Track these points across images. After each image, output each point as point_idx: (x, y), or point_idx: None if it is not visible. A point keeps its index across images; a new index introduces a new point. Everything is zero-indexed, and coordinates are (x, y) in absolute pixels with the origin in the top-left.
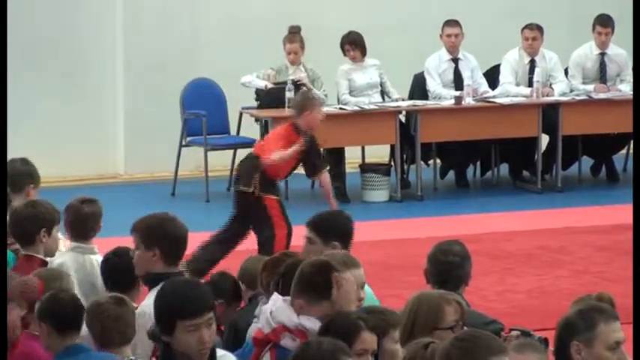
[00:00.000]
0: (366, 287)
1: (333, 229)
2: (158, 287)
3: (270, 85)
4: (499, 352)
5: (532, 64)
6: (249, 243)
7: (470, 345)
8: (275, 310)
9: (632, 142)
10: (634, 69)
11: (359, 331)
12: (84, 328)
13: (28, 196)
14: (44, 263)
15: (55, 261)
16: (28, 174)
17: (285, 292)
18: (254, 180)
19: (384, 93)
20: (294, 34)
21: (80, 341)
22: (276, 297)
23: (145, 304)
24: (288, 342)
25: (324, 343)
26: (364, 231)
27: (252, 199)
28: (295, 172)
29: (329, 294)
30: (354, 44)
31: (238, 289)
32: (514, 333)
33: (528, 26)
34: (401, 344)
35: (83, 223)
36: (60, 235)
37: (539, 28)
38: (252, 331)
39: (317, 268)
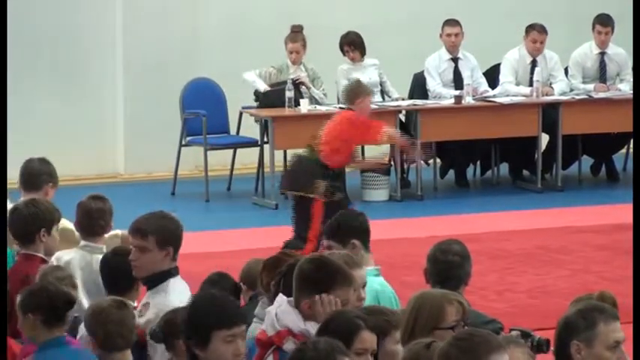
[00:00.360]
0: (388, 287)
1: (348, 229)
2: (165, 285)
3: (267, 89)
4: (498, 349)
5: (533, 64)
6: (249, 243)
7: (469, 343)
8: (280, 312)
9: (632, 141)
10: (634, 69)
11: (358, 330)
12: (84, 332)
13: (47, 196)
14: (44, 262)
15: (62, 258)
16: (47, 173)
17: (286, 292)
18: (317, 185)
19: (383, 92)
20: (296, 33)
21: (79, 343)
22: (281, 299)
23: (164, 303)
24: (290, 346)
25: (320, 342)
26: None
27: (305, 200)
28: None
29: (333, 287)
30: (352, 45)
31: (238, 289)
32: (514, 333)
33: (536, 29)
34: (402, 343)
35: (89, 219)
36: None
37: (546, 31)
38: (251, 331)
39: (315, 265)
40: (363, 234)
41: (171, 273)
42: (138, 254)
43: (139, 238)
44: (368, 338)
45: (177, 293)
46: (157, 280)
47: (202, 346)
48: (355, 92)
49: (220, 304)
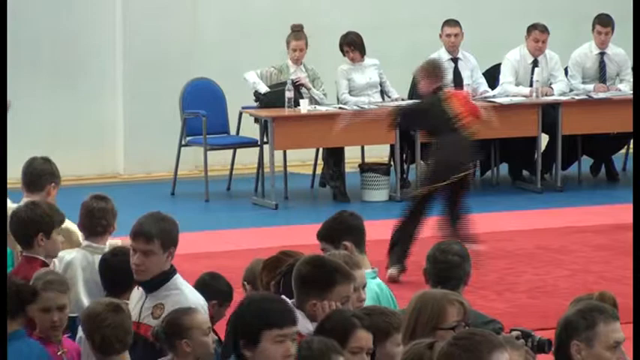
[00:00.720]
0: (385, 287)
1: (338, 230)
2: (172, 284)
3: (267, 90)
4: (500, 347)
5: (534, 64)
6: (249, 243)
7: (471, 342)
8: None
9: (631, 141)
10: (634, 69)
11: (354, 329)
12: (81, 333)
13: (49, 195)
14: (45, 265)
15: (64, 258)
16: (49, 173)
17: (286, 292)
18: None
19: (383, 93)
20: (298, 32)
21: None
22: None
23: (183, 300)
24: None
25: (314, 342)
26: None
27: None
28: (296, 171)
29: (333, 285)
30: (352, 45)
31: (230, 289)
32: (514, 334)
33: (538, 28)
34: (403, 343)
35: (90, 218)
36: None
37: (547, 30)
38: None
39: (312, 265)
40: (356, 235)
41: (172, 272)
42: (143, 258)
43: (143, 243)
44: (363, 337)
45: (190, 290)
46: (159, 281)
47: (251, 346)
48: (437, 71)
49: (271, 304)
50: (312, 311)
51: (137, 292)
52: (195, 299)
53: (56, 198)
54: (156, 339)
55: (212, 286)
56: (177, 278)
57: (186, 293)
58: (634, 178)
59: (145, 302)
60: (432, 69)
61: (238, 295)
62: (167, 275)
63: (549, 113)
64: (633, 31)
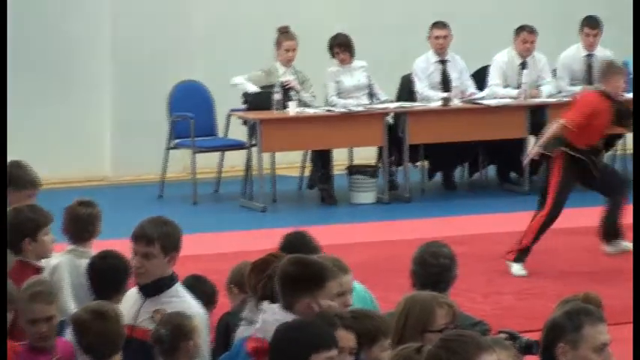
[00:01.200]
0: (365, 291)
1: (297, 250)
2: (174, 290)
3: (257, 90)
4: (487, 349)
5: (522, 66)
6: (237, 245)
7: (458, 344)
8: (275, 321)
9: (619, 143)
10: (634, 69)
11: (334, 329)
12: (70, 337)
13: (13, 202)
14: (37, 268)
15: (50, 262)
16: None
17: (273, 294)
18: (550, 144)
19: (372, 95)
20: (288, 32)
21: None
22: (270, 306)
23: (185, 307)
24: None
25: None
26: (351, 233)
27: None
28: (284, 174)
29: (324, 282)
30: (342, 47)
31: (214, 292)
32: (502, 335)
33: (526, 29)
34: (392, 345)
35: (77, 224)
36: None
37: (535, 32)
38: (240, 333)
39: (298, 265)
40: (312, 252)
41: (174, 279)
42: (142, 261)
43: (143, 245)
44: (343, 337)
45: (191, 300)
46: (163, 286)
47: None
48: (607, 70)
49: (315, 327)
50: (307, 311)
51: (132, 295)
52: (198, 308)
53: (43, 201)
54: (157, 342)
55: (196, 289)
56: (179, 286)
57: (189, 302)
58: (634, 178)
59: (143, 306)
60: (618, 69)
61: (224, 298)
62: (169, 282)
63: (537, 115)
64: (633, 32)
